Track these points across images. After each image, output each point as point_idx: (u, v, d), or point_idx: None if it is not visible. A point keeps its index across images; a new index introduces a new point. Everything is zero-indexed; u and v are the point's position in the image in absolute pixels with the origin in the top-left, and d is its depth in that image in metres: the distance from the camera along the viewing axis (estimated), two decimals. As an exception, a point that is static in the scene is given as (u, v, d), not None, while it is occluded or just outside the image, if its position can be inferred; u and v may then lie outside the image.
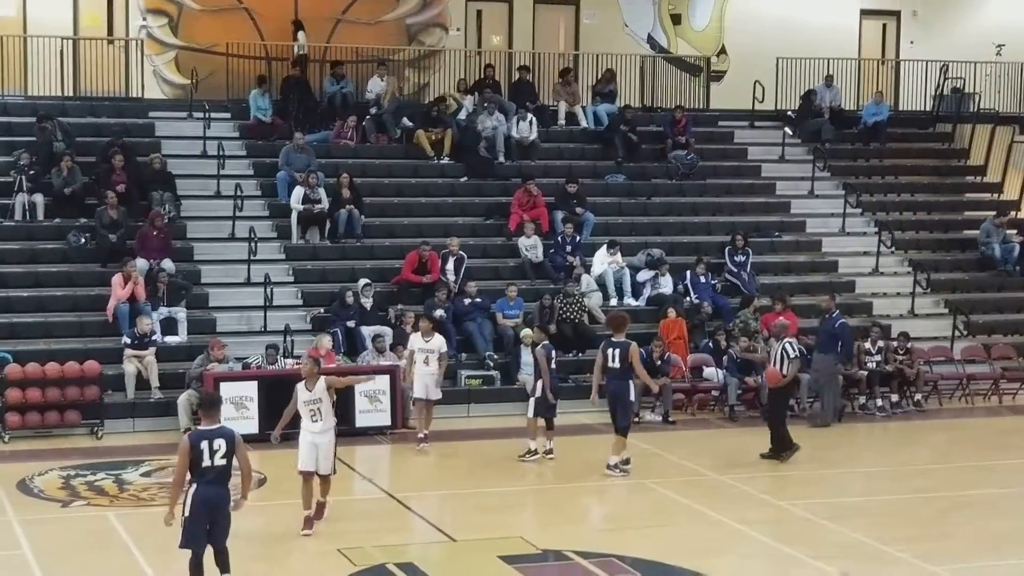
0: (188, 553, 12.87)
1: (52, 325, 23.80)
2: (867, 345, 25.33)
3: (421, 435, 21.17)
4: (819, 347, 23.96)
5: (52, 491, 18.33)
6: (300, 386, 16.48)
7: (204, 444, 12.72)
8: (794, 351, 21.01)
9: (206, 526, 12.79)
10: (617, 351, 19.52)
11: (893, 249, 30.06)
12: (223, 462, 12.73)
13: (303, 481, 16.28)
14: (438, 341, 21.39)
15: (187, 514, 12.76)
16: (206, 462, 12.66)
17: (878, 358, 25.24)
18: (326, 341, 22.63)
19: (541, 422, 20.61)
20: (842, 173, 32.18)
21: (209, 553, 12.92)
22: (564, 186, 28.35)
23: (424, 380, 21.22)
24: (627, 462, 19.67)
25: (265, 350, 22.46)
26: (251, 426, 20.92)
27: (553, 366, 20.59)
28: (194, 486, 12.75)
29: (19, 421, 21.53)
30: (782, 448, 20.59)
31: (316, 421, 16.33)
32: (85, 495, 18.27)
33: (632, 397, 19.75)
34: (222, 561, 13.01)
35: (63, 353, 22.47)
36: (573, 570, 15.20)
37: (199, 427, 13.01)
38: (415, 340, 21.44)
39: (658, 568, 15.04)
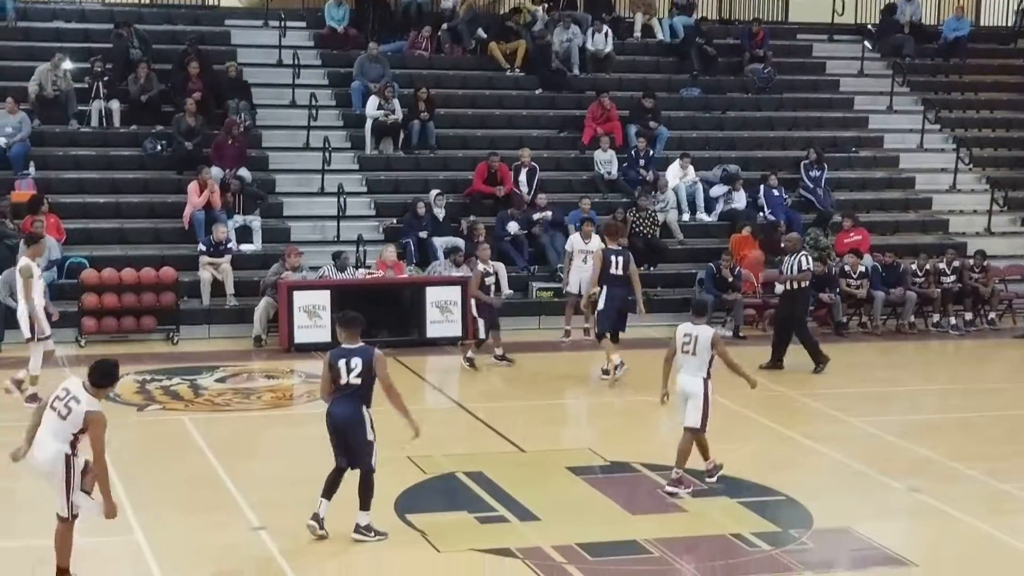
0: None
1: (128, 231, 24.06)
2: (942, 264, 25.13)
3: (567, 329, 22.61)
4: None
5: (128, 395, 18.59)
6: None
7: (342, 362, 12.59)
8: (808, 264, 20.86)
9: (340, 443, 12.73)
10: (620, 258, 19.77)
11: (971, 166, 29.70)
12: (358, 381, 12.57)
13: None
14: (596, 242, 21.83)
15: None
16: (343, 380, 12.56)
17: (952, 277, 25.04)
18: (390, 251, 22.78)
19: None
20: (921, 89, 31.76)
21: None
22: (640, 100, 28.15)
23: (580, 276, 21.93)
24: (619, 367, 19.83)
25: (332, 258, 22.61)
26: (323, 335, 21.13)
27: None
28: (331, 402, 12.75)
29: (95, 326, 21.83)
30: (818, 358, 20.67)
31: None
32: (160, 399, 18.53)
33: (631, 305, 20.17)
34: (362, 489, 12.83)
35: (139, 259, 22.73)
36: (641, 482, 15.27)
37: (343, 345, 12.78)
38: (576, 242, 22.66)
39: (725, 482, 15.05)
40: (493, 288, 21.38)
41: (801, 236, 25.33)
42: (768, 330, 24.10)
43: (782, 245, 22.64)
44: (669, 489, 14.65)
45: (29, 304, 17.60)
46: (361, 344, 12.82)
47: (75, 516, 11.18)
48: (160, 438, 16.62)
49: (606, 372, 20.07)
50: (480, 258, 21.22)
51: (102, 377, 11.25)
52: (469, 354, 20.85)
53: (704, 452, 14.91)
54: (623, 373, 19.84)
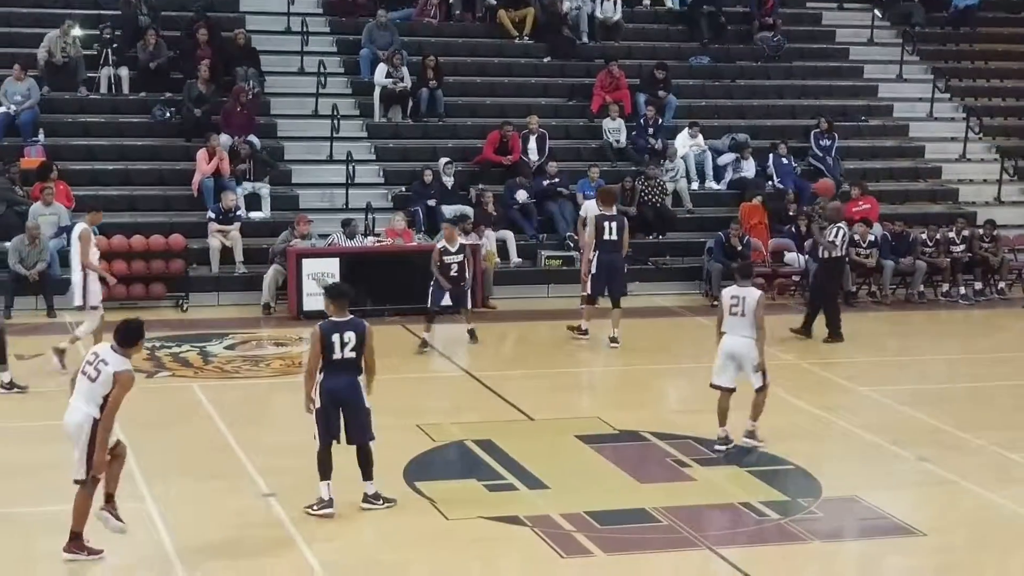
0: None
1: (137, 198, 24.07)
2: (951, 234, 25.10)
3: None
4: None
5: (137, 362, 18.49)
6: None
7: (335, 337, 12.48)
8: (840, 236, 20.83)
9: (338, 419, 12.64)
10: (613, 224, 19.98)
11: (981, 135, 29.62)
12: (352, 355, 12.51)
13: None
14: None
15: (317, 407, 12.59)
16: (336, 354, 12.46)
17: (962, 246, 25.01)
18: (399, 219, 22.78)
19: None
20: (931, 57, 31.62)
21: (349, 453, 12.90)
22: (652, 71, 28.06)
23: None
24: (613, 341, 20.10)
25: (341, 226, 22.62)
26: (332, 302, 21.15)
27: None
28: (322, 377, 12.56)
29: (105, 293, 21.76)
30: (833, 333, 20.71)
31: None
32: (170, 366, 18.57)
33: (625, 270, 20.63)
34: (363, 461, 12.85)
35: (148, 226, 22.74)
36: (650, 451, 15.29)
37: (330, 318, 12.65)
38: (591, 208, 21.71)
39: (734, 450, 15.09)
40: (455, 269, 19.80)
41: (810, 205, 25.40)
42: (776, 298, 24.14)
43: (822, 212, 22.62)
44: (745, 440, 15.05)
45: (85, 270, 17.70)
46: (351, 316, 12.73)
47: (95, 479, 11.32)
48: (170, 405, 16.65)
49: (614, 340, 20.10)
50: (446, 237, 20.07)
51: (127, 336, 11.49)
52: (423, 334, 19.87)
53: (723, 418, 15.03)
54: (583, 340, 20.22)
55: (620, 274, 20.36)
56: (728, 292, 15.13)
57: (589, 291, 20.34)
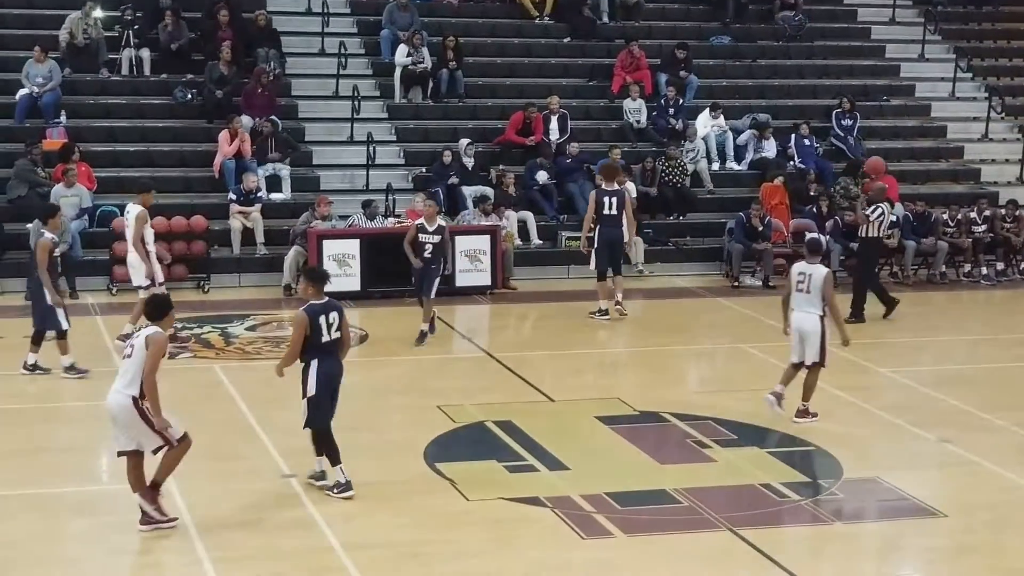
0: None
1: (159, 180, 24.03)
2: (973, 214, 25.01)
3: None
4: None
5: (160, 343, 18.61)
6: None
7: (322, 319, 12.50)
8: (879, 215, 20.81)
9: (330, 404, 12.72)
10: (614, 199, 20.32)
11: (1003, 115, 29.44)
12: (337, 335, 12.59)
13: None
14: (630, 186, 22.77)
15: (313, 392, 12.58)
16: (325, 336, 12.50)
17: (984, 226, 24.93)
18: (419, 200, 22.77)
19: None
20: (953, 36, 31.48)
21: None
22: (673, 51, 28.00)
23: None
24: (617, 304, 20.59)
25: (361, 207, 22.65)
26: (353, 283, 21.32)
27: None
28: (315, 362, 12.57)
29: (126, 274, 21.87)
30: (856, 312, 20.74)
31: None
32: (192, 347, 18.62)
33: (626, 239, 20.97)
34: (332, 446, 12.94)
35: (170, 208, 22.77)
36: (670, 431, 15.30)
37: (313, 302, 12.65)
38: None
39: (755, 432, 15.10)
40: (429, 250, 18.69)
41: (831, 185, 25.34)
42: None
43: (864, 192, 22.63)
44: (797, 420, 15.22)
45: (139, 251, 17.89)
46: (328, 298, 12.79)
47: (171, 443, 11.74)
48: (191, 386, 16.70)
49: (618, 305, 20.59)
50: (425, 215, 19.01)
51: (156, 310, 11.90)
52: (423, 327, 18.93)
53: (786, 380, 15.37)
54: (604, 320, 20.46)
55: (621, 246, 20.78)
56: (796, 268, 15.43)
57: (594, 266, 20.64)
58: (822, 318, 15.12)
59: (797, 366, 15.39)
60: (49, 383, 16.65)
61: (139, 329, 12.03)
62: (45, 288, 16.52)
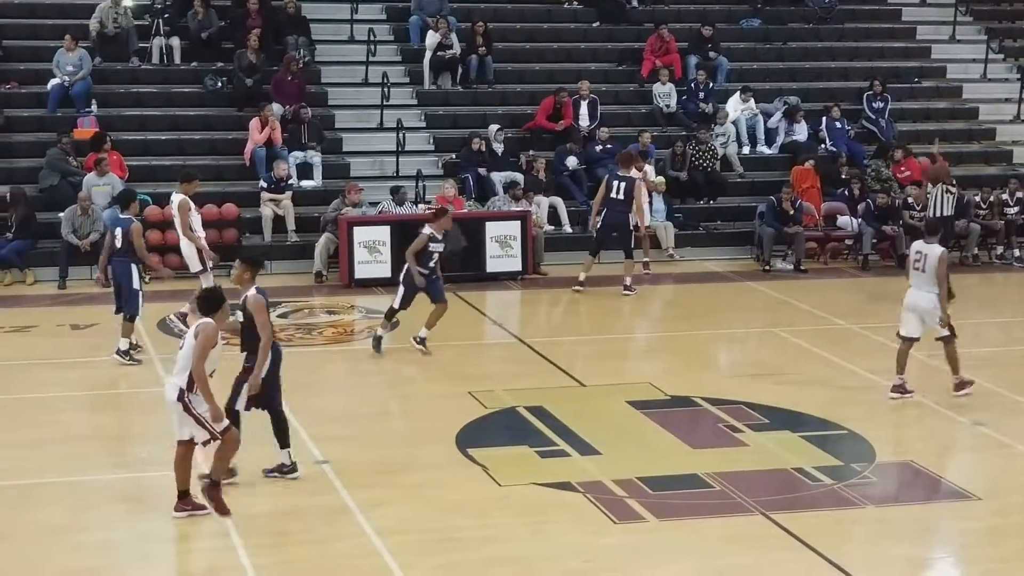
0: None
1: (190, 168, 24.07)
2: (1005, 196, 24.89)
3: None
4: None
5: (192, 331, 18.66)
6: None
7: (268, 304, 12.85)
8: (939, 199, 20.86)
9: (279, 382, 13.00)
10: (623, 184, 20.98)
11: (1036, 96, 29.30)
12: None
13: None
14: (648, 169, 23.53)
15: (269, 374, 12.88)
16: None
17: (1016, 208, 24.79)
18: (449, 186, 22.81)
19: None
20: (985, 18, 31.29)
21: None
22: (699, 30, 27.94)
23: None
24: (625, 289, 21.10)
25: (390, 193, 22.67)
26: (384, 270, 21.31)
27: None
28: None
29: (158, 262, 21.87)
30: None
31: None
32: (224, 335, 18.58)
33: (631, 226, 21.45)
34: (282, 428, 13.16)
35: (201, 196, 22.67)
36: (702, 416, 15.28)
37: (256, 287, 13.04)
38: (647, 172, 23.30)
39: (787, 416, 15.06)
40: (435, 260, 17.20)
41: (862, 168, 25.24)
42: (829, 263, 24.07)
43: (927, 177, 22.72)
44: (892, 395, 15.59)
45: (189, 238, 18.04)
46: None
47: (215, 437, 11.88)
48: (223, 372, 16.62)
49: (625, 289, 21.02)
50: (439, 225, 17.26)
51: (207, 305, 12.15)
52: (378, 332, 17.61)
53: (901, 366, 15.66)
54: (630, 295, 21.07)
55: (626, 230, 21.25)
56: (914, 247, 15.79)
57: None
58: (938, 296, 15.43)
59: (908, 342, 15.63)
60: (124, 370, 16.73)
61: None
62: (136, 272, 16.80)
